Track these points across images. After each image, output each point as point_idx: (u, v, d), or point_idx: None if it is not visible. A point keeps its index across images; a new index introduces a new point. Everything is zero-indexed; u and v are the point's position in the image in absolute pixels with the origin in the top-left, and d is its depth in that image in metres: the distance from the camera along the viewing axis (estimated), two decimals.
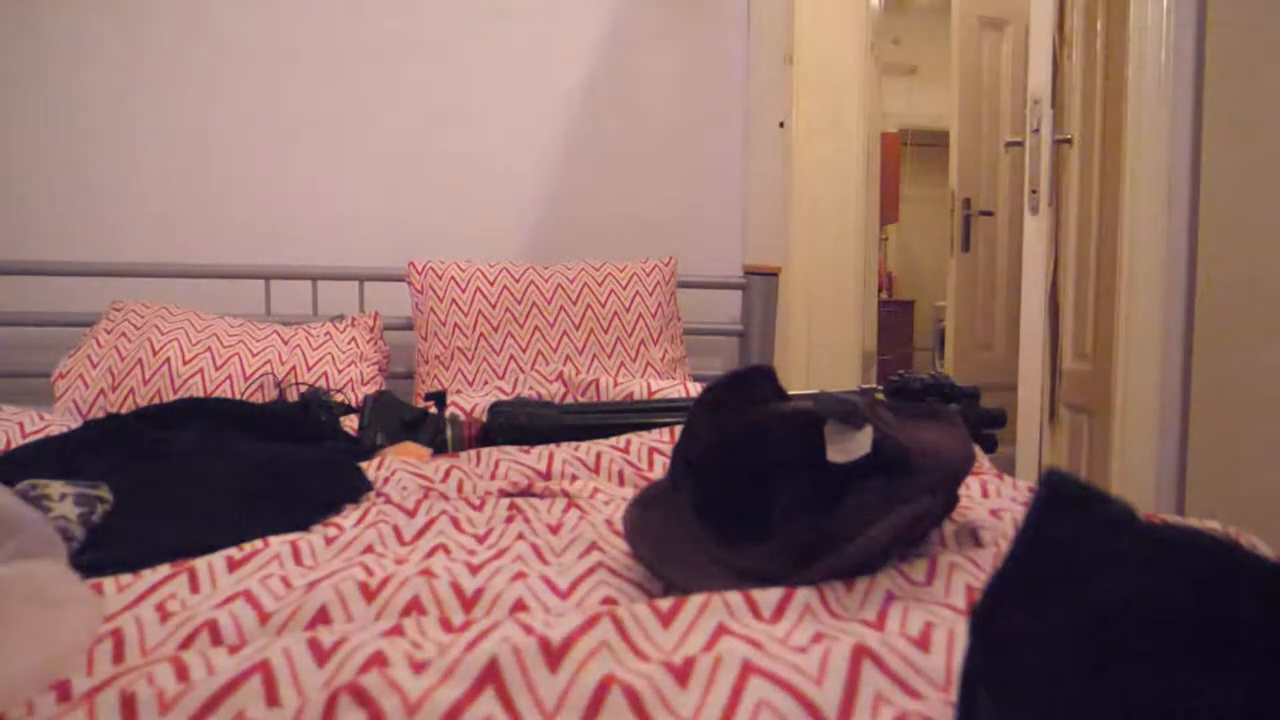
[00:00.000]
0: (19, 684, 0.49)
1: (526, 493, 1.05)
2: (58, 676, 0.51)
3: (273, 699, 0.50)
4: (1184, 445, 2.00)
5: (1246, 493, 1.86)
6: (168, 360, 1.79)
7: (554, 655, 0.52)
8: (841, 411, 0.77)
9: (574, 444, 1.19)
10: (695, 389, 1.59)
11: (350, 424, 1.42)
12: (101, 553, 0.79)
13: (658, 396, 1.55)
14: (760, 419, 0.83)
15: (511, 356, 2.00)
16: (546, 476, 1.11)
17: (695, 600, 0.62)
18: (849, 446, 0.75)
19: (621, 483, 1.12)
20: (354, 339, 1.98)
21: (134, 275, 2.13)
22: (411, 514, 0.93)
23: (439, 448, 1.29)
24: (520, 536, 0.86)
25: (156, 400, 1.73)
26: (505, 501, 0.97)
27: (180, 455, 1.07)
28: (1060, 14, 2.42)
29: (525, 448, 1.18)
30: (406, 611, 0.65)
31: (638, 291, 2.12)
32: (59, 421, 1.39)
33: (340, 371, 1.88)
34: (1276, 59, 1.88)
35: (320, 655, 0.53)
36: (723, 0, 2.41)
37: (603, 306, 2.08)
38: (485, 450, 1.19)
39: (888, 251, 5.98)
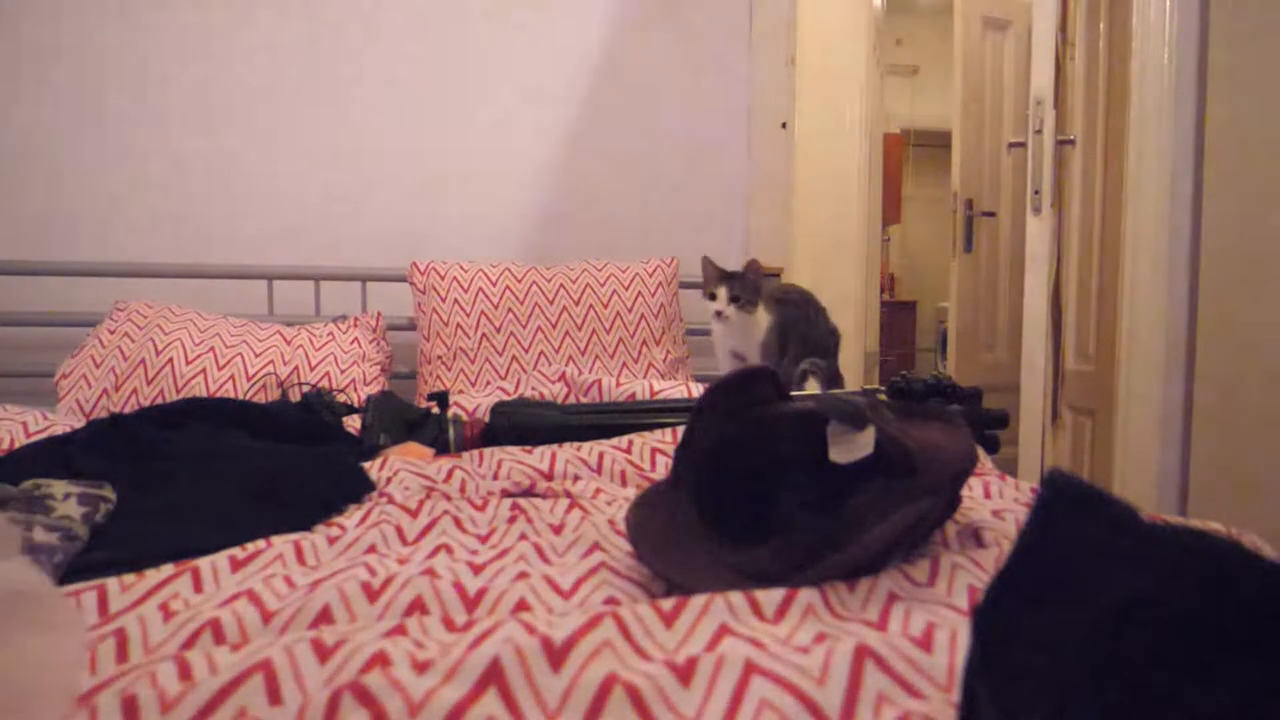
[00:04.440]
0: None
1: (529, 493, 1.05)
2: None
3: (275, 697, 0.50)
4: (1186, 446, 2.00)
5: (1249, 494, 1.86)
6: (171, 360, 1.80)
7: (556, 655, 0.52)
8: (844, 412, 0.77)
9: (576, 444, 1.19)
10: (697, 390, 1.60)
11: (353, 424, 1.42)
12: (105, 552, 0.80)
13: (660, 397, 1.55)
14: (763, 420, 0.83)
15: (514, 357, 2.00)
16: (549, 477, 1.11)
17: (698, 600, 0.62)
18: (851, 447, 0.75)
19: (624, 483, 1.12)
20: (356, 339, 1.98)
21: (137, 275, 2.13)
22: (414, 514, 0.93)
23: (441, 448, 1.29)
24: (523, 536, 0.86)
25: (160, 400, 1.73)
26: (508, 502, 0.97)
27: (183, 455, 1.07)
28: (1063, 15, 2.42)
29: (527, 448, 1.18)
30: (409, 611, 0.65)
31: (640, 292, 2.12)
32: (62, 421, 1.39)
33: (343, 371, 1.88)
34: (1279, 60, 1.88)
35: (323, 654, 0.53)
36: (725, 2, 2.42)
37: (605, 307, 2.08)
38: (487, 450, 1.19)
39: (890, 252, 5.97)
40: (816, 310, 1.92)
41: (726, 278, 1.82)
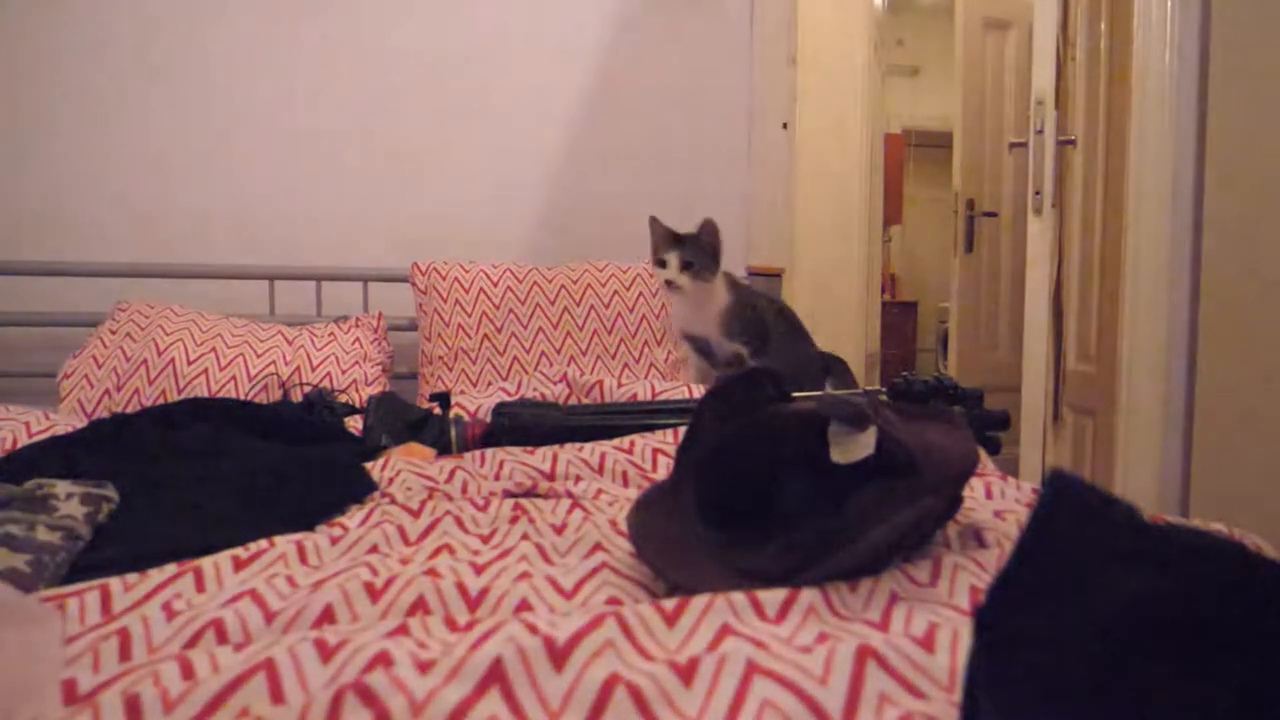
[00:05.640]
0: None
1: (531, 493, 1.05)
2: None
3: (277, 697, 0.50)
4: (1188, 447, 2.00)
5: (1251, 494, 1.86)
6: (172, 361, 1.80)
7: (559, 655, 0.52)
8: (845, 413, 0.77)
9: (578, 445, 1.19)
10: (699, 390, 1.59)
11: (355, 424, 1.42)
12: (108, 552, 0.80)
13: (661, 398, 1.55)
14: (764, 420, 0.83)
15: (515, 357, 2.00)
16: (551, 477, 1.11)
17: (699, 600, 0.62)
18: (853, 447, 0.75)
19: (625, 483, 1.12)
20: (358, 339, 1.98)
21: (139, 276, 2.14)
22: (416, 514, 0.93)
23: (443, 448, 1.29)
24: (525, 537, 0.86)
25: (161, 400, 1.73)
26: (509, 502, 0.97)
27: (185, 455, 1.08)
28: (1064, 15, 2.42)
29: (529, 449, 1.18)
30: (411, 611, 0.65)
31: (641, 293, 2.12)
32: (64, 421, 1.39)
33: (344, 372, 1.88)
34: None
35: (325, 654, 0.53)
36: (726, 2, 2.42)
37: (606, 308, 2.08)
38: (489, 451, 1.19)
39: (891, 253, 5.98)
40: (798, 333, 1.72)
41: (678, 241, 1.57)
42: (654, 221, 1.65)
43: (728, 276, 1.66)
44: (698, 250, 1.57)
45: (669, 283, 1.59)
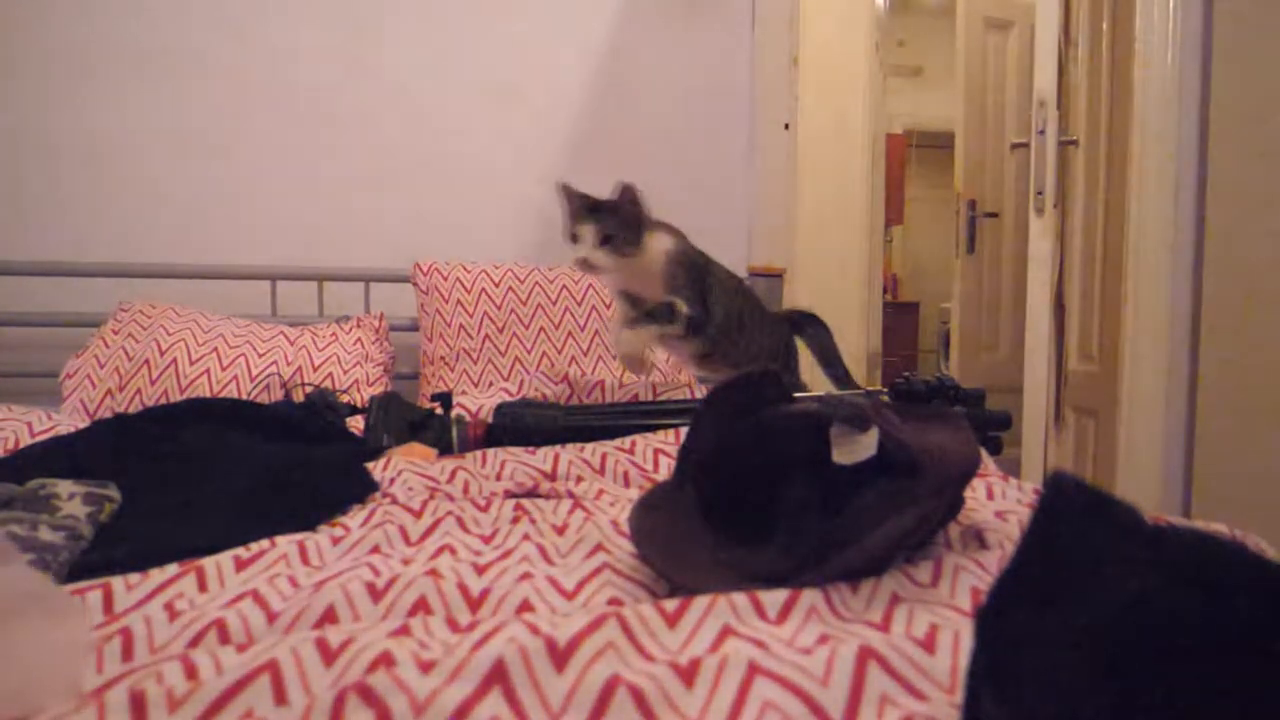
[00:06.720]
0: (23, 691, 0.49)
1: (532, 494, 1.05)
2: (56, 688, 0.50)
3: (280, 698, 0.50)
4: (1190, 447, 2.00)
5: (1252, 495, 1.86)
6: (174, 361, 1.80)
7: (560, 655, 0.52)
8: (847, 414, 0.77)
9: (579, 445, 1.19)
10: (700, 390, 1.59)
11: (356, 425, 1.42)
12: (109, 552, 0.80)
13: (663, 398, 1.55)
14: (766, 421, 0.83)
15: (516, 358, 2.00)
16: (552, 478, 1.11)
17: (701, 601, 0.62)
18: (854, 448, 0.75)
19: (627, 484, 1.12)
20: (360, 340, 1.99)
21: (141, 276, 2.14)
22: (417, 515, 0.93)
23: (445, 449, 1.29)
24: (526, 537, 0.86)
25: (163, 400, 1.73)
26: (511, 502, 0.97)
27: (187, 455, 1.08)
28: (1066, 15, 2.42)
29: (530, 449, 1.18)
30: (413, 611, 0.65)
31: None
32: (67, 421, 1.39)
33: (346, 372, 1.88)
34: None
35: (327, 655, 0.53)
36: (728, 2, 2.42)
37: (608, 308, 2.08)
38: (491, 451, 1.19)
39: (892, 253, 5.97)
40: (745, 295, 1.62)
41: (594, 210, 1.37)
42: (566, 189, 1.43)
43: (665, 226, 1.47)
44: (619, 222, 1.37)
45: (583, 261, 1.38)
